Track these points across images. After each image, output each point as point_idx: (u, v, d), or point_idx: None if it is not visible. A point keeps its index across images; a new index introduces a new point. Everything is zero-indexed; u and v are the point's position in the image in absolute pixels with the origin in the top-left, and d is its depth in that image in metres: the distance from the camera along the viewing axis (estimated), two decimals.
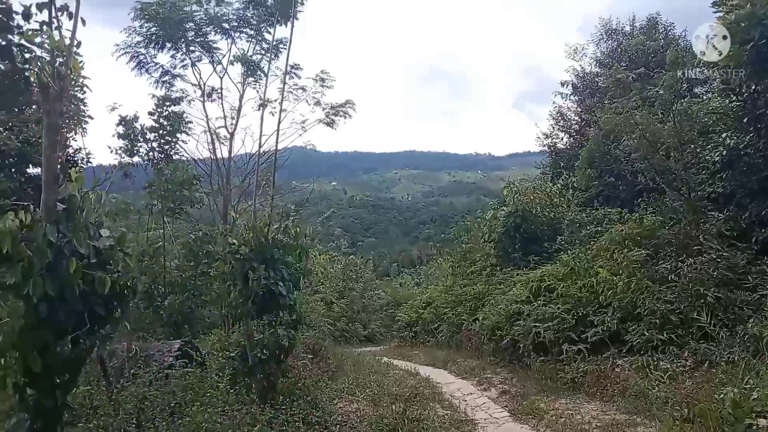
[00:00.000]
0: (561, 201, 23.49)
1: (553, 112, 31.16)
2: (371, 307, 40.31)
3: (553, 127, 31.12)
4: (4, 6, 6.26)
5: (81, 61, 6.04)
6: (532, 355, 14.41)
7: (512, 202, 22.47)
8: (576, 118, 30.25)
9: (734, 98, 14.82)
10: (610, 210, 19.37)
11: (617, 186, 20.97)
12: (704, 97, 18.99)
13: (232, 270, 9.76)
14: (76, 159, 14.28)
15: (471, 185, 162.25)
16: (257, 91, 18.69)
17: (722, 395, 8.21)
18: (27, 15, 5.28)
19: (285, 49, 15.92)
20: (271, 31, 17.31)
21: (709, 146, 15.47)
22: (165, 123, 16.40)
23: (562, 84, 30.64)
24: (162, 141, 16.30)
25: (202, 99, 18.62)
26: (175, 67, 18.47)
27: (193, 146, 18.54)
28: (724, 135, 14.84)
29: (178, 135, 16.83)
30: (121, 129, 15.46)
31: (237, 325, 10.87)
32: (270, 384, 9.48)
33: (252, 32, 18.11)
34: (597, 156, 21.99)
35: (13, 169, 13.98)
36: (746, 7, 12.19)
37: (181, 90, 18.67)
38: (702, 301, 11.90)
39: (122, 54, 17.74)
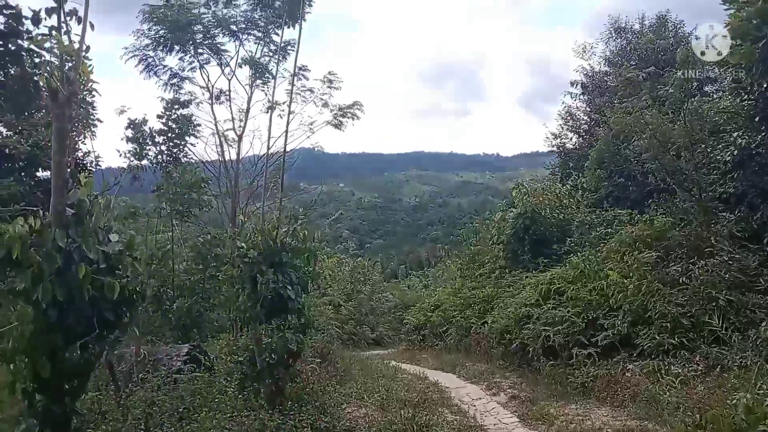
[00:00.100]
0: (570, 202, 23.34)
1: (561, 112, 30.99)
2: (379, 309, 40.26)
3: (562, 127, 30.93)
4: (13, 11, 6.29)
5: (90, 66, 6.04)
6: (541, 359, 14.31)
7: (521, 204, 22.35)
8: (585, 117, 30.04)
9: (746, 97, 14.65)
10: (620, 211, 19.21)
11: (627, 187, 20.82)
12: (715, 96, 18.84)
13: (241, 273, 9.75)
14: (85, 162, 14.34)
15: (479, 186, 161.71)
16: (265, 93, 18.81)
17: (735, 401, 8.09)
18: (36, 20, 5.30)
19: (293, 50, 16.03)
20: (279, 32, 17.38)
21: (720, 146, 15.31)
22: (173, 126, 16.48)
23: (572, 83, 30.47)
24: (170, 144, 16.37)
25: (210, 101, 18.73)
26: (183, 70, 18.59)
27: (201, 149, 18.66)
28: (735, 134, 14.69)
29: (187, 138, 16.91)
30: (129, 132, 15.56)
31: (245, 329, 10.84)
32: (278, 389, 9.44)
33: (260, 34, 18.19)
34: (607, 156, 21.84)
35: (22, 173, 14.05)
36: (758, 4, 12.01)
37: (190, 92, 18.79)
38: (713, 304, 11.76)
39: (131, 57, 17.87)
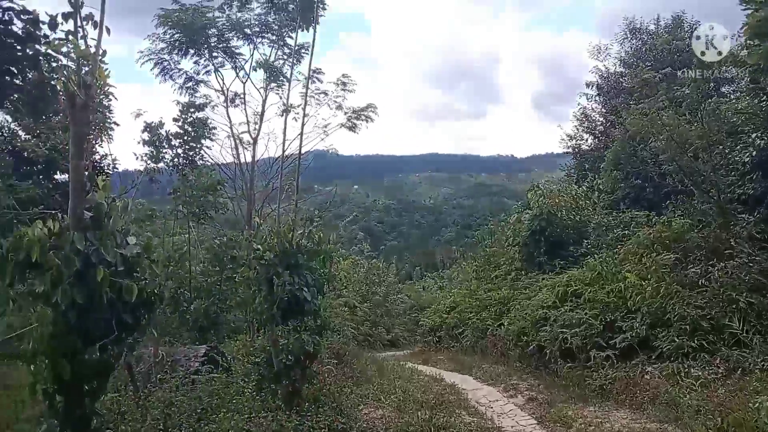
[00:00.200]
0: (586, 204, 23.19)
1: (577, 113, 30.88)
2: (394, 311, 40.17)
3: (577, 128, 30.81)
4: (31, 16, 6.35)
5: (107, 70, 6.08)
6: (559, 362, 14.21)
7: (537, 205, 22.24)
8: (600, 119, 29.87)
9: (764, 98, 14.50)
10: (637, 213, 19.07)
11: (644, 188, 20.65)
12: (732, 97, 18.63)
13: (257, 275, 9.80)
14: (102, 165, 14.51)
15: (494, 187, 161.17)
16: (280, 96, 18.90)
17: (757, 404, 8.00)
18: (53, 25, 5.32)
19: (307, 54, 16.05)
20: (293, 36, 17.42)
21: (738, 147, 15.15)
22: (189, 129, 16.61)
23: (587, 85, 30.33)
24: (186, 147, 16.51)
25: (225, 104, 18.84)
26: (198, 73, 18.72)
27: (217, 151, 18.78)
28: (753, 135, 14.53)
29: (203, 140, 17.04)
30: (146, 135, 15.68)
31: (262, 331, 10.88)
32: (295, 390, 9.45)
33: (274, 37, 18.26)
34: (623, 157, 21.68)
35: (41, 176, 14.24)
36: None
37: (205, 96, 18.92)
38: (734, 306, 11.60)
39: (146, 60, 18.03)
